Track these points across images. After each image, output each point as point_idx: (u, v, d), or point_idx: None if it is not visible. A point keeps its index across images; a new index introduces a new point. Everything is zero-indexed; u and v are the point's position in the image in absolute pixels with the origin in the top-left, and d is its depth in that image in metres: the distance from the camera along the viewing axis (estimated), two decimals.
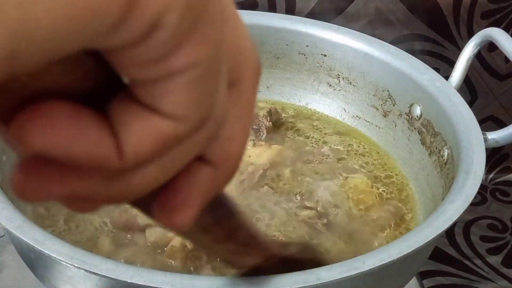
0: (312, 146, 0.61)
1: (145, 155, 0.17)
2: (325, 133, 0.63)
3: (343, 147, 0.61)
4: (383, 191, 0.56)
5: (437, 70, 0.60)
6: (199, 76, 0.17)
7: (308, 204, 0.53)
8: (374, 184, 0.57)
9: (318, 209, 0.52)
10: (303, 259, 0.37)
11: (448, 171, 0.52)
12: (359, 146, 0.62)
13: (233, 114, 0.19)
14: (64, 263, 0.37)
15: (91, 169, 0.17)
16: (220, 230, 0.25)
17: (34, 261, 0.44)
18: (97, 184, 0.17)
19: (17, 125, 0.16)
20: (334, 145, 0.61)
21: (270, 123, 0.61)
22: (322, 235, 0.51)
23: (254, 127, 0.59)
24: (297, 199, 0.53)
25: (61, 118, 0.16)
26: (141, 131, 0.17)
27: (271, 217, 0.51)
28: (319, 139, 0.62)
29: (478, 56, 0.78)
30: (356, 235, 0.51)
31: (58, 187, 0.17)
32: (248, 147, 0.57)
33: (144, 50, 0.15)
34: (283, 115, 0.65)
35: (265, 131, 0.60)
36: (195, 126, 0.17)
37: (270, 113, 0.61)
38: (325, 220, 0.52)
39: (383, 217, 0.53)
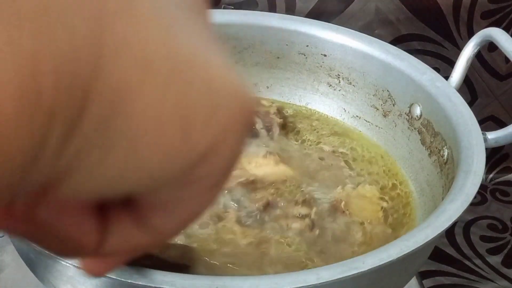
0: (311, 150, 0.61)
1: (116, 254, 0.19)
2: (322, 134, 0.63)
3: (347, 150, 0.61)
4: (387, 208, 0.54)
5: (437, 70, 0.60)
6: (196, 215, 0.19)
7: (303, 212, 0.51)
8: (381, 196, 0.55)
9: (312, 217, 0.51)
10: (178, 264, 0.39)
11: (448, 171, 0.52)
12: (363, 150, 0.61)
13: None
14: (64, 263, 0.37)
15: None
16: None
17: (34, 261, 0.44)
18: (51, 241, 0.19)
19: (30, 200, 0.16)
20: (336, 146, 0.61)
21: (281, 120, 0.61)
22: (310, 245, 0.49)
23: (266, 125, 0.58)
24: (291, 206, 0.52)
25: (70, 205, 0.17)
26: (125, 240, 0.19)
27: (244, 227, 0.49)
28: (319, 141, 0.62)
29: (478, 56, 0.78)
30: (342, 252, 0.50)
31: (16, 226, 0.17)
32: (259, 159, 0.55)
33: (168, 195, 0.18)
34: (285, 114, 0.65)
35: (278, 128, 0.59)
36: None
37: (279, 110, 0.61)
38: (317, 232, 0.50)
39: (379, 237, 0.52)
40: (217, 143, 0.16)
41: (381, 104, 0.62)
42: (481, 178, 0.46)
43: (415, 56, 0.60)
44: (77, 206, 0.17)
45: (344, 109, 0.65)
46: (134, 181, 0.16)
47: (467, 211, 0.43)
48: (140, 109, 0.15)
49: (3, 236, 0.61)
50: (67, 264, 0.37)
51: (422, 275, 0.70)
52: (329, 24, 0.65)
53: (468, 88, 0.81)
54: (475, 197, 0.44)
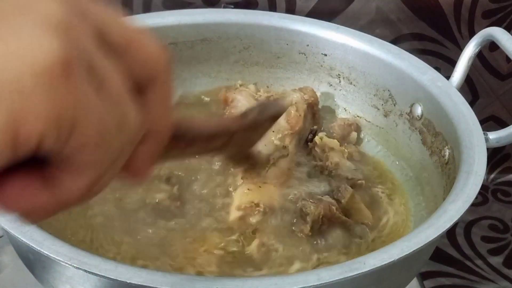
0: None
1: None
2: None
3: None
4: None
5: (438, 69, 0.60)
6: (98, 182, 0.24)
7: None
8: None
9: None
10: (263, 119, 0.41)
11: (449, 171, 0.52)
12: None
13: (156, 101, 0.25)
14: (63, 263, 0.37)
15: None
16: (179, 146, 0.32)
17: (33, 262, 0.44)
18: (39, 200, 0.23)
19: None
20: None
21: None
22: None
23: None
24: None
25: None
26: (30, 200, 0.23)
27: None
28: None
29: (479, 56, 0.78)
30: None
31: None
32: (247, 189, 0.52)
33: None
34: None
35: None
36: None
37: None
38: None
39: None
40: None
41: (382, 104, 0.62)
42: (482, 179, 0.46)
43: (416, 56, 0.60)
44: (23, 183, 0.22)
45: (344, 109, 0.65)
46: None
47: (468, 211, 0.43)
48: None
49: (1, 236, 0.61)
50: (66, 265, 0.37)
51: (423, 276, 0.70)
52: (330, 23, 0.65)
53: (469, 88, 0.81)
54: (476, 198, 0.44)
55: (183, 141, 0.32)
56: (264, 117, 0.41)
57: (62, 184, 0.23)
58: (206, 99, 0.65)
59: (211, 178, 0.54)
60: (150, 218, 0.50)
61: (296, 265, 0.47)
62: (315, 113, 0.62)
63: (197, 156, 0.48)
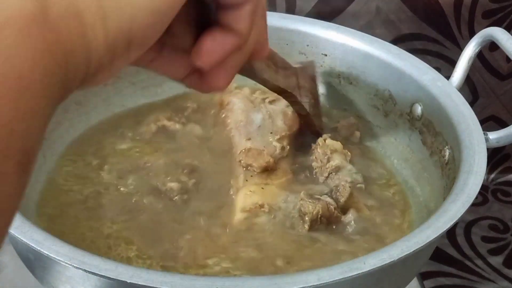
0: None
1: (220, 65, 0.34)
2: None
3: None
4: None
5: (438, 69, 0.60)
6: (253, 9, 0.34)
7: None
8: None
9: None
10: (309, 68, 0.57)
11: (449, 171, 0.52)
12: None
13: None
14: (63, 264, 0.37)
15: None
16: (271, 67, 0.46)
17: (33, 262, 0.44)
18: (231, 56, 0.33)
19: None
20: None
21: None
22: None
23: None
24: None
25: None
26: (220, 44, 0.33)
27: None
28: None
29: (480, 56, 0.78)
30: None
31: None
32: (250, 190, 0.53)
33: None
34: None
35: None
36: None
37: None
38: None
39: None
40: None
41: (382, 104, 0.62)
42: (482, 179, 0.46)
43: (416, 56, 0.60)
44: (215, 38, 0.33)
45: (344, 109, 0.65)
46: None
47: (468, 211, 0.43)
48: None
49: None
50: (66, 265, 0.37)
51: (423, 276, 0.70)
52: (330, 23, 0.65)
53: (469, 88, 0.81)
54: (476, 198, 0.44)
55: (272, 62, 0.45)
56: (308, 66, 0.56)
57: (233, 27, 0.32)
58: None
59: (217, 178, 0.54)
60: (156, 205, 0.51)
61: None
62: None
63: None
